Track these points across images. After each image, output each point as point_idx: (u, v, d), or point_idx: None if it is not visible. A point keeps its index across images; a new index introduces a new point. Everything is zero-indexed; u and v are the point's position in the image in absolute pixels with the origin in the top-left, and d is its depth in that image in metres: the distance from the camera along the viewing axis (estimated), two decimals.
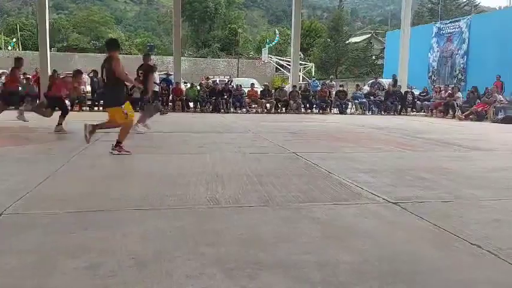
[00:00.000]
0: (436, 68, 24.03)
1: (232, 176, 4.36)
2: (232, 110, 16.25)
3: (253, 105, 16.98)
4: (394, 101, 17.38)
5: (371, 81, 21.19)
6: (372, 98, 17.56)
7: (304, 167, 5.04)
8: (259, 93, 17.25)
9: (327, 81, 21.41)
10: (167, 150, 6.53)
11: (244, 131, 9.30)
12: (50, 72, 15.77)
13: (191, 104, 16.40)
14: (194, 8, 52.20)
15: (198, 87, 16.85)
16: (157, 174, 4.50)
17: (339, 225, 2.94)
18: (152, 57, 12.81)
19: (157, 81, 11.64)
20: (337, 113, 16.89)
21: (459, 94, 16.28)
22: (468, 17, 23.75)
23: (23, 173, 4.40)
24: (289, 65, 23.60)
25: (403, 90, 17.84)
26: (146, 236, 2.62)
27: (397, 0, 48.42)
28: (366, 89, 19.47)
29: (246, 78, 25.14)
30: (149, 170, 4.77)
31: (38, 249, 2.39)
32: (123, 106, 5.65)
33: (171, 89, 16.16)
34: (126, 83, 6.15)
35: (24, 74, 15.10)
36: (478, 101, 14.97)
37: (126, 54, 39.80)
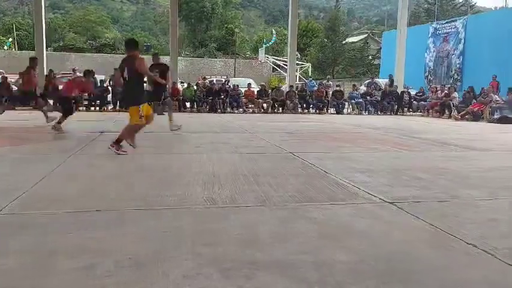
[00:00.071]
0: (432, 68, 24.08)
1: (229, 176, 4.35)
2: (229, 110, 16.23)
3: (250, 105, 16.96)
4: (391, 101, 17.41)
5: (367, 81, 21.19)
6: (368, 98, 17.60)
7: (301, 167, 5.05)
8: (256, 93, 17.27)
9: (324, 81, 21.44)
10: (164, 150, 6.54)
11: (241, 131, 9.30)
12: (46, 72, 15.76)
13: (188, 104, 16.38)
14: (191, 8, 52.09)
15: (195, 87, 16.86)
16: (154, 174, 4.50)
17: (336, 225, 2.95)
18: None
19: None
20: (333, 113, 16.90)
21: (455, 94, 16.33)
22: (464, 17, 23.80)
23: (19, 173, 4.39)
24: (286, 65, 23.63)
25: (399, 90, 17.87)
26: (143, 236, 2.62)
27: (393, 1, 48.45)
28: (363, 89, 19.52)
29: (243, 78, 25.11)
30: (146, 169, 4.77)
31: (34, 249, 2.39)
32: (140, 106, 5.65)
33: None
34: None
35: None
36: (474, 101, 15.01)
37: (123, 54, 39.66)
